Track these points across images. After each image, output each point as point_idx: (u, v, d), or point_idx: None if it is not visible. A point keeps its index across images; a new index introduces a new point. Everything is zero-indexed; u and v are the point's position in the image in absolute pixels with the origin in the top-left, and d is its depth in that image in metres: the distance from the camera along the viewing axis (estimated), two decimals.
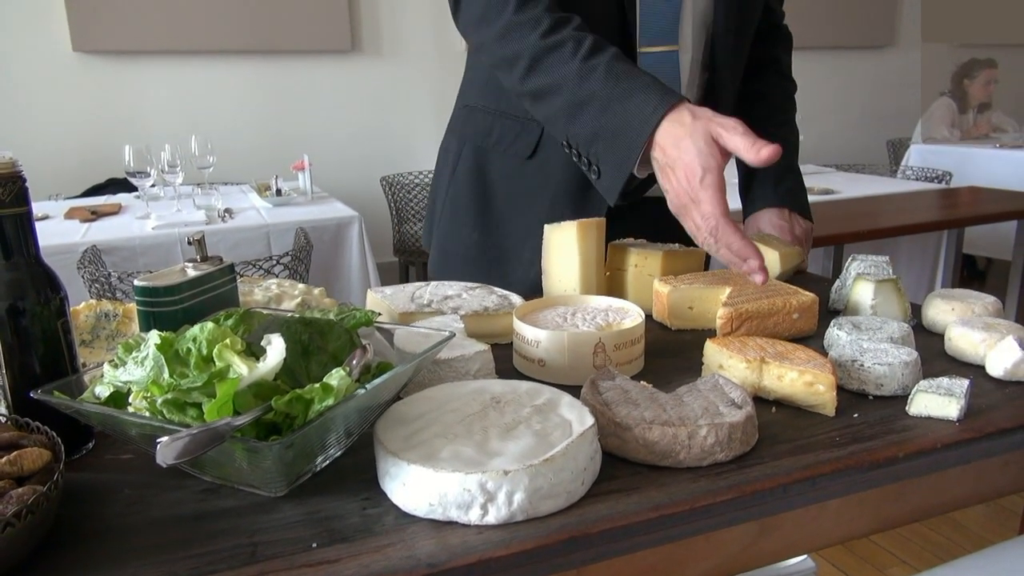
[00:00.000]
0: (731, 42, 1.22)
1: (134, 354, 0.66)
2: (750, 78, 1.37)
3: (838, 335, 0.92)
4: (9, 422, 0.67)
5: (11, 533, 0.52)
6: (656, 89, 0.96)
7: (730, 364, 0.83)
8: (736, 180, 1.39)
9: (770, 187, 1.33)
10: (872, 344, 0.86)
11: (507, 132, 1.25)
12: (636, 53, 1.17)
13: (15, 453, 0.59)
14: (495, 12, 1.07)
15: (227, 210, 2.95)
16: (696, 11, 1.19)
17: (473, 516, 0.59)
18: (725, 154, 0.89)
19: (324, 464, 0.68)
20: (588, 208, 1.21)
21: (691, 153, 0.89)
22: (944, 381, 0.78)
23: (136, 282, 0.76)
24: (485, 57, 1.15)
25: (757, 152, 0.85)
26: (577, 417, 0.67)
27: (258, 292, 0.98)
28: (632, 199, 1.04)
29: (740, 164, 1.37)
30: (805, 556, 1.30)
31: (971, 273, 5.01)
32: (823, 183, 3.38)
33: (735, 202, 1.35)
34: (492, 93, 1.27)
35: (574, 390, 0.75)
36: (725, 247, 0.89)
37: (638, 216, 1.24)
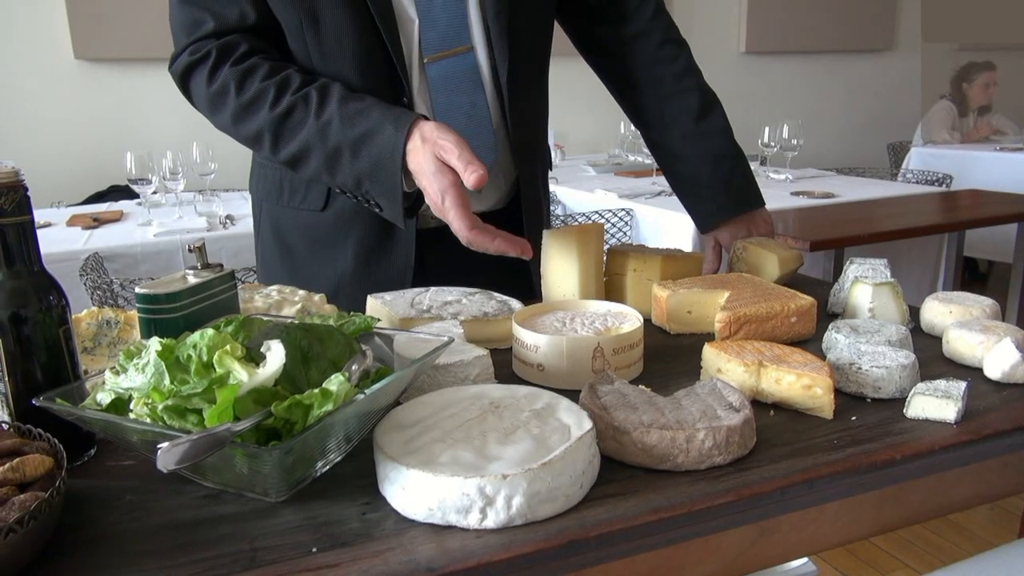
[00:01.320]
0: (506, 23, 1.14)
1: (135, 361, 0.67)
2: (631, 63, 1.27)
3: (836, 338, 0.92)
4: (11, 429, 0.67)
5: (13, 539, 0.52)
6: (388, 119, 1.00)
7: (728, 368, 0.83)
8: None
9: (721, 199, 1.27)
10: (870, 347, 0.86)
11: (297, 187, 1.21)
12: (417, 67, 1.12)
13: (17, 460, 0.59)
14: (220, 101, 1.08)
15: (228, 217, 2.96)
16: (485, 5, 1.12)
17: (472, 520, 0.59)
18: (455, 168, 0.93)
19: (324, 469, 0.68)
20: (396, 245, 1.19)
21: (427, 178, 0.95)
22: (941, 383, 0.78)
23: (137, 290, 0.77)
24: (233, 137, 1.13)
25: (467, 177, 0.91)
26: (575, 421, 0.68)
27: (258, 299, 0.98)
28: (418, 209, 1.08)
29: (675, 166, 1.31)
30: (806, 559, 1.30)
31: (972, 276, 5.00)
32: (824, 187, 3.38)
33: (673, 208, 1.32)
34: None
35: (573, 394, 0.75)
36: (492, 249, 0.93)
37: None
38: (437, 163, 0.94)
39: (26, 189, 0.69)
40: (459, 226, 0.93)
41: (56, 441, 0.64)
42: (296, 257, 1.26)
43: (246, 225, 2.90)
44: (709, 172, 1.27)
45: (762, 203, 1.31)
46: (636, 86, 1.29)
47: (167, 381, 0.64)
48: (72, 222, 2.99)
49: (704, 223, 1.32)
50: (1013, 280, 3.43)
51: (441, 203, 0.94)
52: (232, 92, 1.07)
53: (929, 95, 5.75)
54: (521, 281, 1.23)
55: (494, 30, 1.13)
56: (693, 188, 1.31)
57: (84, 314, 0.93)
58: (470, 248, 0.95)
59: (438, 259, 1.20)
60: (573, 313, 0.97)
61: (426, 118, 1.00)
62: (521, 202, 1.25)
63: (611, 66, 1.32)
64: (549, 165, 1.36)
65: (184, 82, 1.13)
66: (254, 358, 0.66)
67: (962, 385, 0.78)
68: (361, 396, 0.64)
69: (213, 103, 1.10)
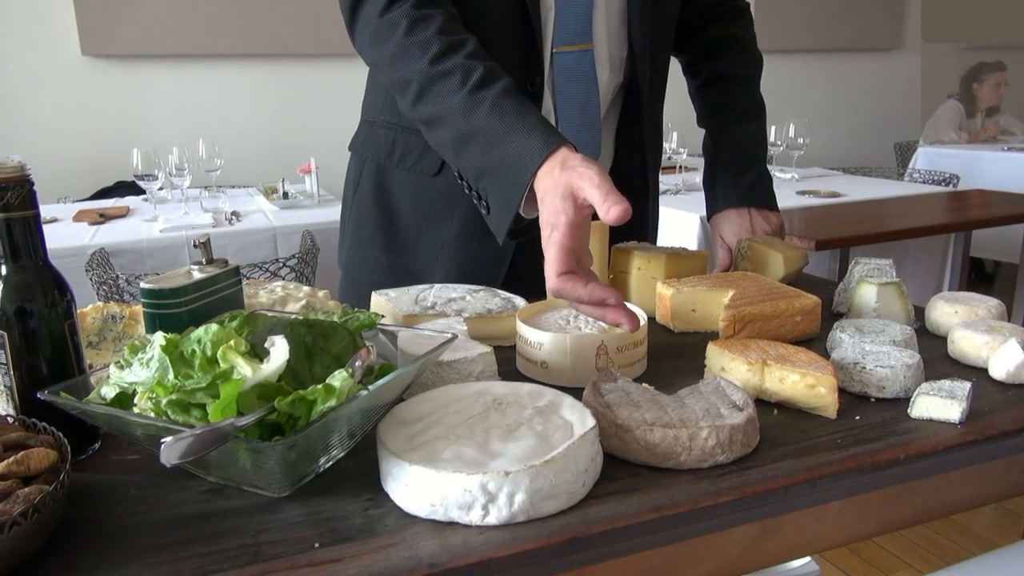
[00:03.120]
0: (648, 34, 1.20)
1: (140, 356, 0.67)
2: (712, 60, 1.36)
3: (841, 337, 0.92)
4: (16, 422, 0.67)
5: (18, 532, 0.53)
6: (540, 130, 0.91)
7: (732, 366, 0.83)
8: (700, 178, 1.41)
9: (730, 185, 1.32)
10: (874, 347, 0.86)
11: (411, 148, 1.18)
12: (549, 55, 1.16)
13: (22, 453, 0.59)
14: (386, 33, 1.03)
15: (234, 213, 2.97)
16: (610, 7, 1.18)
17: (474, 517, 0.59)
18: (585, 207, 0.84)
19: (327, 465, 0.68)
20: None
21: (548, 208, 0.85)
22: (946, 384, 0.78)
23: (142, 285, 0.77)
24: (381, 77, 1.11)
25: (607, 210, 0.80)
26: (578, 419, 0.68)
27: (263, 294, 0.98)
28: (522, 238, 0.99)
29: (705, 155, 1.39)
30: (808, 559, 1.30)
31: (979, 276, 4.99)
32: (830, 186, 3.37)
33: (695, 208, 1.36)
34: (394, 107, 1.16)
35: (577, 392, 0.75)
36: (574, 301, 0.85)
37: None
38: (567, 193, 0.84)
39: (32, 184, 0.69)
40: (548, 269, 0.84)
41: (61, 435, 0.65)
42: (397, 224, 1.22)
43: (251, 221, 2.91)
44: (726, 160, 1.34)
45: (769, 204, 1.33)
46: (714, 81, 1.37)
47: (171, 376, 0.64)
48: (79, 217, 3.01)
49: (709, 208, 1.37)
50: (1020, 280, 3.42)
51: (548, 238, 0.85)
52: (402, 29, 1.01)
53: (930, 92, 5.72)
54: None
55: (613, 29, 1.18)
56: (710, 172, 1.37)
57: (89, 308, 0.94)
58: (556, 298, 0.88)
59: (536, 246, 1.17)
60: (577, 311, 0.97)
61: (575, 149, 0.90)
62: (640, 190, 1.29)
63: (697, 64, 1.39)
64: (659, 159, 1.39)
65: (352, 9, 1.08)
66: (258, 353, 0.67)
67: (967, 385, 0.78)
68: (364, 392, 0.64)
69: (378, 33, 1.04)
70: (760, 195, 1.32)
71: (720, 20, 1.38)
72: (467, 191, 1.02)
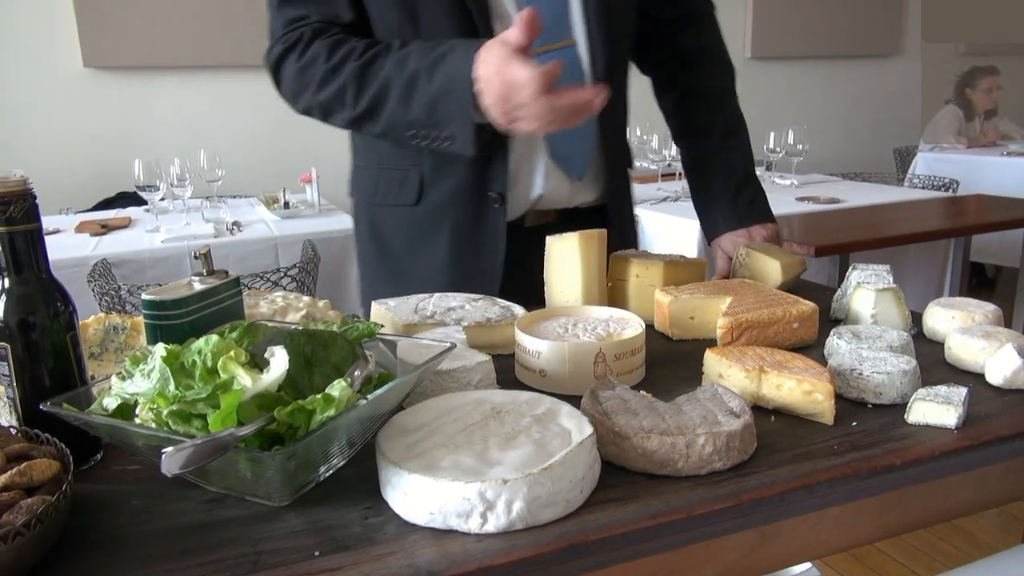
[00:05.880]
0: (601, 39, 1.21)
1: (141, 367, 0.67)
2: (683, 74, 1.37)
3: (838, 344, 0.92)
4: (19, 433, 0.68)
5: (20, 542, 0.53)
6: (463, 42, 1.04)
7: (729, 373, 0.83)
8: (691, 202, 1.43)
9: (727, 210, 1.34)
10: (871, 353, 0.86)
11: (391, 185, 1.27)
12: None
13: (25, 464, 0.60)
14: (309, 70, 1.13)
15: (235, 223, 2.97)
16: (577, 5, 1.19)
17: (473, 525, 0.60)
18: (510, 44, 0.95)
19: (327, 474, 0.69)
20: (487, 237, 1.23)
21: (491, 68, 0.96)
22: (942, 389, 0.78)
23: (143, 296, 0.78)
24: (316, 114, 1.19)
25: (520, 26, 0.92)
26: (576, 426, 0.68)
27: (264, 305, 0.99)
28: (491, 146, 1.12)
29: (690, 177, 1.41)
30: (809, 565, 1.30)
31: (980, 281, 4.98)
32: (829, 192, 3.38)
33: (694, 215, 1.38)
34: (368, 150, 1.30)
35: (575, 400, 0.75)
36: (560, 109, 0.93)
37: None
38: (495, 47, 0.96)
39: (34, 197, 0.70)
40: (526, 79, 0.92)
41: (63, 445, 0.65)
42: (393, 253, 1.30)
43: (253, 231, 2.91)
44: (720, 184, 1.36)
45: (765, 218, 1.35)
46: (688, 97, 1.38)
47: (172, 386, 0.64)
48: (80, 228, 3.02)
49: (708, 230, 1.39)
50: (1020, 285, 3.42)
51: (511, 78, 0.94)
52: (322, 58, 1.12)
53: (929, 99, 5.73)
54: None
55: (594, 26, 1.19)
56: (704, 196, 1.39)
57: (91, 320, 0.94)
58: (530, 129, 0.97)
59: (528, 254, 1.20)
60: (575, 319, 0.97)
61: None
62: (610, 199, 1.31)
63: (668, 79, 1.40)
64: (630, 164, 1.41)
65: (277, 67, 1.19)
66: (258, 364, 0.67)
67: (963, 391, 0.78)
68: (363, 401, 0.65)
69: (301, 74, 1.15)
70: (758, 212, 1.35)
71: (687, 26, 1.37)
72: (428, 143, 1.10)
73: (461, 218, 1.22)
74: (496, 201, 1.20)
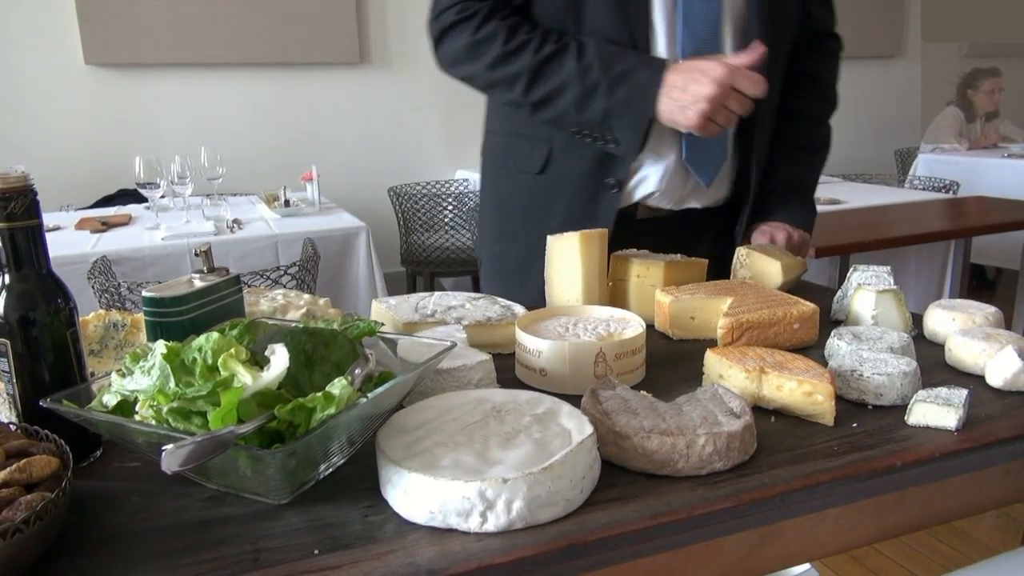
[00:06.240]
0: (768, 49, 1.22)
1: (141, 364, 0.67)
2: (789, 93, 1.39)
3: (838, 345, 0.92)
4: (19, 430, 0.68)
5: (20, 539, 0.53)
6: (645, 59, 1.17)
7: (730, 374, 0.83)
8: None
9: (778, 205, 1.38)
10: (872, 354, 0.86)
11: (520, 152, 1.34)
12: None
13: (24, 460, 0.60)
14: (484, 46, 1.21)
15: (236, 221, 2.97)
16: (733, 17, 1.22)
17: (473, 524, 0.60)
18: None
19: (327, 472, 0.69)
20: (598, 217, 1.26)
21: (685, 77, 1.11)
22: (942, 391, 0.78)
23: (144, 293, 0.78)
24: (476, 84, 1.27)
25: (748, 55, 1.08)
26: (576, 426, 0.68)
27: (264, 302, 0.99)
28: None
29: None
30: (808, 566, 1.30)
31: (981, 283, 4.98)
32: (830, 193, 3.38)
33: None
34: (504, 117, 1.38)
35: (575, 399, 0.75)
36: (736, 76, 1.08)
37: (640, 231, 1.28)
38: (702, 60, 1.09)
39: (35, 194, 0.70)
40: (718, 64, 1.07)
41: (63, 442, 0.65)
42: (510, 216, 1.40)
43: (253, 229, 2.91)
44: (780, 184, 1.40)
45: (797, 222, 1.37)
46: (786, 115, 1.41)
47: (172, 384, 0.64)
48: (81, 225, 3.02)
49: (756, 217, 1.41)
50: (1021, 287, 3.42)
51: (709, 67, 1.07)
52: (500, 39, 1.20)
53: (930, 101, 5.72)
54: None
55: (745, 41, 1.22)
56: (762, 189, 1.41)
57: (91, 317, 0.94)
58: (703, 121, 1.10)
59: (632, 240, 1.25)
60: (576, 318, 0.97)
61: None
62: (741, 198, 1.36)
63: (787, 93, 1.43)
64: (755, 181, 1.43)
65: (443, 33, 1.25)
66: (258, 361, 0.67)
67: (963, 393, 0.78)
68: (363, 400, 0.64)
69: (473, 49, 1.22)
70: (795, 217, 1.37)
71: (811, 55, 1.42)
72: (590, 140, 1.22)
73: (578, 195, 1.29)
74: (613, 187, 1.26)
